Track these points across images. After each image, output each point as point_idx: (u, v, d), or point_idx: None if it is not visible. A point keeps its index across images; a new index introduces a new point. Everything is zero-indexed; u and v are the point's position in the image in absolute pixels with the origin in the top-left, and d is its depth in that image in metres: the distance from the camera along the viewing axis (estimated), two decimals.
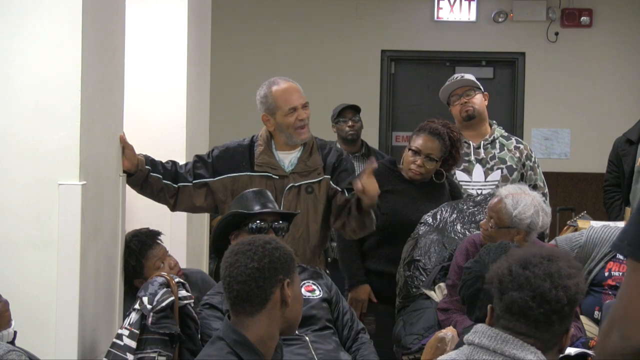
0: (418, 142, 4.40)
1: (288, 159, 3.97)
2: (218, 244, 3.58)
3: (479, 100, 4.85)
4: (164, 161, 3.96)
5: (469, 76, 4.93)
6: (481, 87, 4.90)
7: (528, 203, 3.81)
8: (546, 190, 4.82)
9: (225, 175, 3.93)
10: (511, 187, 3.99)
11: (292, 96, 3.94)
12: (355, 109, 6.04)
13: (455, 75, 4.96)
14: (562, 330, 2.32)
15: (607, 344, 1.68)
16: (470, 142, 4.83)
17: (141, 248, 3.72)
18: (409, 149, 4.43)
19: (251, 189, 3.66)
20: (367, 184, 3.76)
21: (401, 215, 4.36)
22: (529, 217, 3.79)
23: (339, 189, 3.98)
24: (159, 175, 3.88)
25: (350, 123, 5.98)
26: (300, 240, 3.88)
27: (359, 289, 4.42)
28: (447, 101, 4.95)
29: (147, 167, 3.83)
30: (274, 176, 3.91)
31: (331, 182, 3.99)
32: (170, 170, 3.94)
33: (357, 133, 6.02)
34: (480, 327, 2.36)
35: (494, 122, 4.97)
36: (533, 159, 4.86)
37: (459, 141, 4.49)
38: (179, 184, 3.92)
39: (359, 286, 4.43)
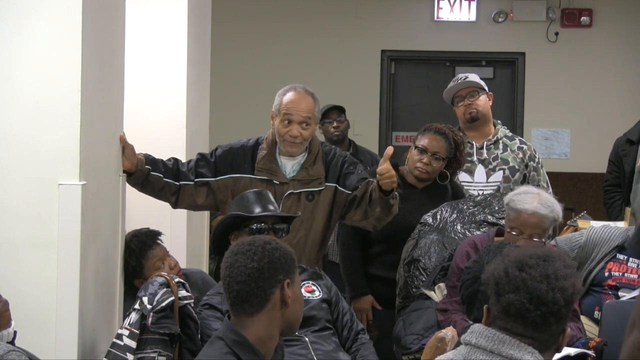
0: (424, 140, 4.40)
1: (290, 164, 3.93)
2: (217, 244, 3.58)
3: (482, 102, 4.84)
4: (165, 159, 3.96)
5: (473, 77, 4.92)
6: (485, 88, 4.89)
7: (548, 197, 3.83)
8: (550, 191, 4.81)
9: (227, 176, 3.91)
10: (526, 196, 3.86)
11: (295, 108, 3.86)
12: (339, 109, 6.05)
13: (460, 76, 4.95)
14: (559, 330, 2.32)
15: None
16: (473, 143, 4.82)
17: (141, 248, 3.71)
18: (415, 148, 4.42)
19: (252, 190, 3.65)
20: (384, 170, 3.69)
21: (405, 221, 4.33)
22: (558, 205, 3.83)
23: (350, 192, 3.93)
24: (159, 174, 3.87)
25: (335, 124, 6.00)
26: (297, 247, 3.85)
27: (362, 300, 4.41)
28: (451, 101, 4.95)
29: (147, 166, 3.82)
30: (274, 181, 3.89)
31: (340, 188, 3.94)
32: (172, 168, 3.93)
33: (343, 133, 6.04)
34: (477, 327, 2.36)
35: (499, 122, 4.97)
36: (537, 160, 4.86)
37: (462, 144, 4.50)
38: (180, 183, 3.91)
39: (361, 297, 4.42)
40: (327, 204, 3.94)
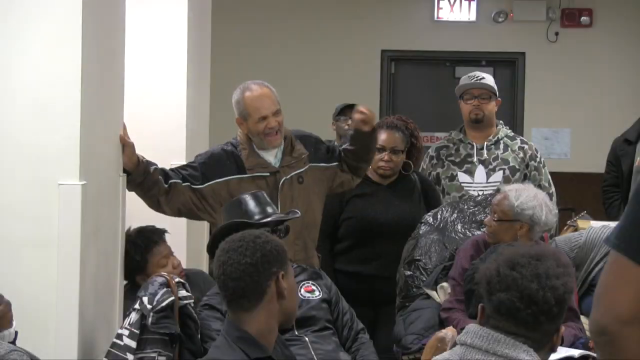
0: (380, 138, 4.47)
1: (272, 154, 3.98)
2: (216, 248, 3.57)
3: (491, 106, 4.85)
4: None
5: (489, 79, 4.90)
6: (497, 93, 4.90)
7: (531, 195, 3.84)
8: (552, 190, 4.81)
9: (214, 181, 3.90)
10: (515, 184, 4.03)
11: (262, 105, 3.92)
12: None
13: (477, 74, 4.91)
14: (552, 330, 2.33)
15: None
16: (474, 143, 4.83)
17: (147, 244, 3.72)
18: None
19: (247, 193, 3.63)
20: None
21: (368, 217, 4.46)
22: (531, 207, 3.80)
23: (335, 162, 4.10)
24: (155, 167, 3.86)
25: (349, 122, 6.01)
26: (300, 233, 3.90)
27: None
28: (460, 95, 4.92)
29: (143, 161, 3.81)
30: (263, 174, 3.92)
31: (322, 164, 4.06)
32: (160, 169, 3.92)
33: None
34: (471, 327, 2.37)
35: (500, 122, 4.97)
36: (538, 159, 4.85)
37: (416, 130, 4.66)
38: (170, 182, 3.90)
39: None
40: (315, 184, 4.03)
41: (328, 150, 4.13)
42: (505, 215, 3.81)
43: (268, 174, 3.93)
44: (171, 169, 3.97)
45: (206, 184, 3.91)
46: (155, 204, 3.91)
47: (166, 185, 3.87)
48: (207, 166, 3.94)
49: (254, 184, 3.86)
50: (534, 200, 3.82)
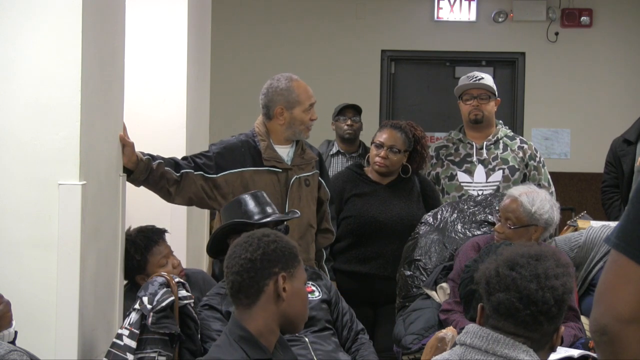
0: (381, 136, 4.53)
1: (285, 152, 4.04)
2: (217, 246, 3.58)
3: (490, 107, 4.86)
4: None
5: (488, 79, 4.91)
6: (496, 93, 4.91)
7: (543, 198, 3.85)
8: (552, 190, 4.82)
9: (228, 172, 3.94)
10: (521, 187, 4.01)
11: (310, 94, 4.05)
12: (356, 109, 6.08)
13: (476, 75, 4.93)
14: (552, 330, 2.33)
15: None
16: (473, 143, 4.83)
17: (147, 243, 3.72)
18: (372, 144, 4.56)
19: (246, 193, 3.64)
20: None
21: (368, 216, 4.48)
22: (547, 211, 3.82)
23: (324, 199, 4.15)
24: (160, 161, 3.85)
25: (349, 122, 6.02)
26: (305, 234, 3.94)
27: None
28: (459, 95, 4.93)
29: (146, 156, 3.80)
30: (277, 169, 3.97)
31: (320, 179, 4.14)
32: (169, 160, 3.92)
33: (355, 133, 6.06)
34: (471, 327, 2.37)
35: (500, 122, 4.98)
36: (537, 159, 4.86)
37: (423, 138, 4.61)
38: (182, 172, 3.90)
39: None
40: (315, 188, 4.11)
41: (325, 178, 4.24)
42: (521, 221, 3.82)
43: (281, 170, 3.97)
44: (184, 158, 3.99)
45: (220, 174, 3.94)
46: (166, 195, 3.93)
47: (177, 175, 3.88)
48: (221, 156, 3.97)
49: (267, 177, 3.92)
50: (546, 202, 3.83)
